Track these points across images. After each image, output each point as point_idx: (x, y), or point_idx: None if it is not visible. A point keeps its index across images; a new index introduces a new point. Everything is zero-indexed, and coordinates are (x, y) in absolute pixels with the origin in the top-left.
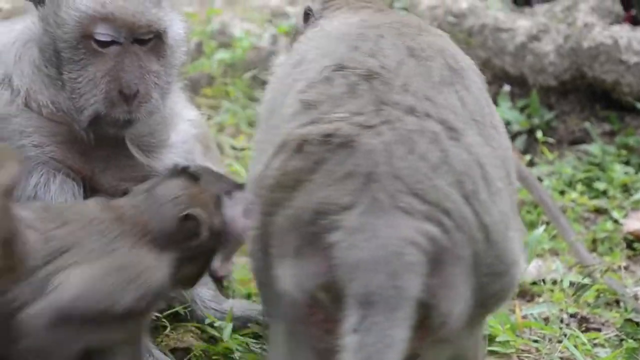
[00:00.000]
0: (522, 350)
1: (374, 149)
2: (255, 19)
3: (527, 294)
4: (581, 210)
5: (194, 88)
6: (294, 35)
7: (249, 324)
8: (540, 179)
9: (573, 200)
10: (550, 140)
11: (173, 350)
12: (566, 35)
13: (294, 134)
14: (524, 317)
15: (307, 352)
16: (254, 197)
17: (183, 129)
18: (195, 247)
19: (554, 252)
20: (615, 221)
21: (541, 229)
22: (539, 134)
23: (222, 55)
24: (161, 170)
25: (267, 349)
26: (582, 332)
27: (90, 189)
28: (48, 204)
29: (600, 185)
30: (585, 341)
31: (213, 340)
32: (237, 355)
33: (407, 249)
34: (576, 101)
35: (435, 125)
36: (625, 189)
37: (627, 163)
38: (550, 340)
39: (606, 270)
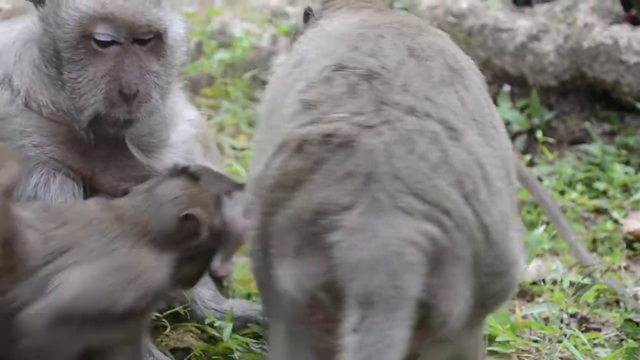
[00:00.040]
0: (522, 350)
1: (374, 149)
2: (255, 19)
3: (527, 294)
4: (581, 210)
5: (194, 88)
6: (294, 35)
7: (249, 324)
8: (540, 179)
9: (573, 200)
10: (550, 140)
11: (173, 350)
12: (566, 35)
13: (294, 134)
14: (524, 317)
15: (307, 352)
16: (254, 197)
17: (183, 129)
18: (195, 247)
19: (554, 252)
20: (615, 221)
21: (541, 229)
22: (539, 134)
23: (222, 55)
24: (161, 170)
25: (267, 349)
26: (582, 332)
27: (90, 189)
28: (48, 203)
29: (600, 185)
30: (585, 341)
31: (213, 340)
32: (237, 355)
33: (407, 249)
34: (576, 101)
35: (435, 125)
36: (625, 189)
37: (627, 163)
38: (550, 340)
39: (606, 270)
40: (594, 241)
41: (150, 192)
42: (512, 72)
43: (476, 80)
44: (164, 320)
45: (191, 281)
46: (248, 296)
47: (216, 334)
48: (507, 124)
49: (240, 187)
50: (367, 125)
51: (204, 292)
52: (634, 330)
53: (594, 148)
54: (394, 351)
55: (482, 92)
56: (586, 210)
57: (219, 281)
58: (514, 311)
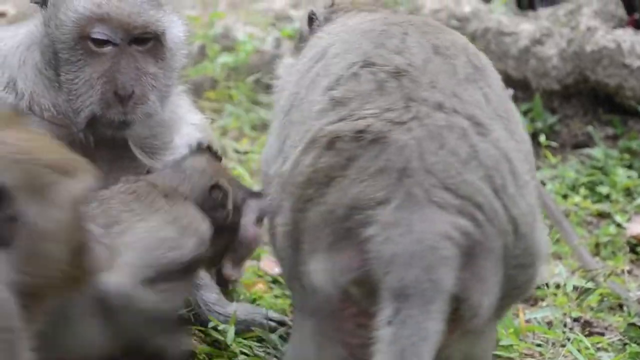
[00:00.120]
0: (526, 355)
1: (405, 144)
2: (258, 23)
3: (530, 298)
4: (584, 214)
5: (197, 91)
6: (298, 38)
7: (253, 328)
8: (543, 183)
9: (576, 204)
10: (553, 144)
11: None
12: (569, 39)
13: (324, 131)
14: (528, 321)
15: (336, 347)
16: (281, 191)
17: (187, 132)
18: (221, 220)
19: (557, 256)
20: (619, 225)
21: None
22: (542, 138)
23: (226, 58)
24: None
25: (289, 346)
26: (586, 336)
27: None
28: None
29: (603, 189)
30: (589, 345)
31: (217, 343)
32: (240, 358)
33: (442, 243)
34: (579, 105)
35: (463, 121)
36: (628, 192)
37: (630, 167)
38: (553, 344)
39: (609, 274)
40: (597, 245)
41: (177, 166)
42: (515, 75)
43: (496, 77)
44: None
45: (211, 261)
46: (252, 300)
47: (220, 337)
48: None
49: (254, 195)
50: (397, 122)
51: (208, 295)
52: (637, 334)
53: (596, 152)
54: (429, 343)
55: (502, 89)
56: (589, 214)
57: (224, 285)
58: (517, 315)
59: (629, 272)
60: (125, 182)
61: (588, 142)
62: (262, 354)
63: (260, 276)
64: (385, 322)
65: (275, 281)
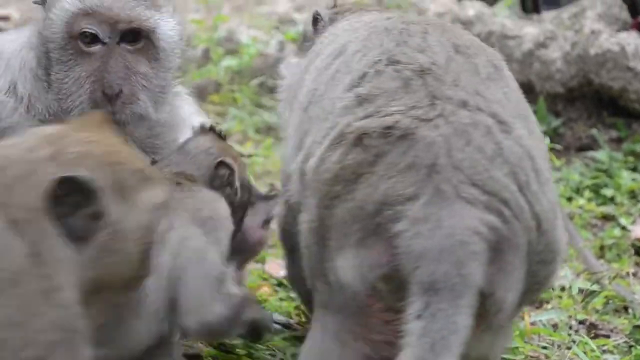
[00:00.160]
0: (531, 357)
1: (433, 141)
2: (262, 26)
3: (535, 301)
4: (589, 217)
5: (200, 95)
6: (302, 39)
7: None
8: None
9: (580, 207)
10: (558, 146)
11: (183, 357)
12: (573, 42)
13: (351, 127)
14: (533, 323)
15: (360, 345)
16: (306, 188)
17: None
18: (230, 198)
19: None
20: (623, 228)
21: None
22: (546, 141)
23: (229, 62)
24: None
25: (308, 344)
26: (591, 338)
27: None
28: None
29: (608, 192)
30: (595, 348)
31: (223, 347)
32: None
33: (472, 238)
34: (583, 108)
35: (487, 119)
36: (633, 195)
37: (634, 170)
38: (559, 346)
39: (614, 277)
40: (602, 248)
41: (182, 149)
42: (519, 79)
43: (512, 77)
44: None
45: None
46: (258, 302)
47: (226, 340)
48: None
49: (264, 198)
50: (424, 119)
51: None
52: None
53: (601, 155)
54: (459, 337)
55: (519, 89)
56: (594, 217)
57: None
58: (522, 318)
59: (634, 274)
60: None
61: (592, 145)
62: (268, 357)
63: (265, 279)
64: (414, 316)
65: (280, 284)
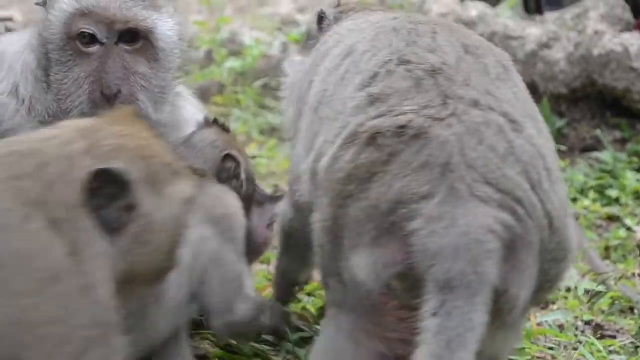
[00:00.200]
0: (538, 358)
1: (447, 140)
2: (265, 27)
3: (543, 300)
4: (594, 218)
5: (204, 96)
6: (306, 37)
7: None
8: None
9: (585, 208)
10: (562, 148)
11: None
12: (577, 43)
13: (365, 127)
14: (539, 324)
15: (375, 343)
16: (318, 187)
17: None
18: (236, 191)
19: None
20: (628, 229)
21: None
22: None
23: (233, 63)
24: None
25: (321, 344)
26: (597, 339)
27: None
28: None
29: (613, 193)
30: (601, 348)
31: (229, 347)
32: None
33: (487, 236)
34: (587, 109)
35: (498, 118)
36: (638, 196)
37: (639, 170)
38: (565, 347)
39: (620, 278)
40: (607, 249)
41: (187, 142)
42: (523, 80)
43: (519, 77)
44: None
45: None
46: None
47: (233, 341)
48: None
49: (271, 199)
50: (437, 118)
51: None
52: None
53: (605, 156)
54: (475, 334)
55: (526, 89)
56: (599, 218)
57: None
58: (528, 319)
59: None
60: None
61: (596, 146)
62: (275, 358)
63: (270, 280)
64: (430, 313)
65: None
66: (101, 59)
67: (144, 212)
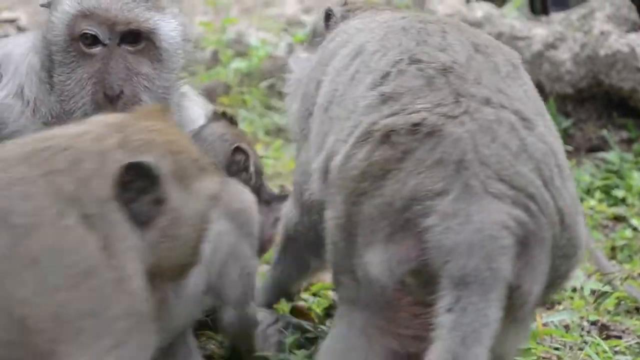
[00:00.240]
0: (544, 358)
1: (460, 137)
2: (271, 28)
3: (547, 302)
4: (600, 218)
5: (210, 97)
6: (312, 34)
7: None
8: None
9: (591, 208)
10: (568, 148)
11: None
12: (583, 44)
13: (378, 125)
14: (545, 324)
15: (388, 340)
16: (331, 185)
17: None
18: (245, 183)
19: None
20: (635, 229)
21: None
22: None
23: (239, 64)
24: None
25: (332, 340)
26: (603, 339)
27: None
28: None
29: (619, 193)
30: (607, 349)
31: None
32: None
33: (501, 232)
34: (593, 109)
35: (510, 116)
36: None
37: None
38: (571, 347)
39: (626, 278)
40: (613, 249)
41: (197, 136)
42: None
43: (528, 75)
44: None
45: None
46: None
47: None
48: None
49: (278, 199)
50: (450, 116)
51: None
52: None
53: (611, 155)
54: (489, 330)
55: (534, 87)
56: (605, 218)
57: None
58: (534, 319)
59: None
60: None
61: (602, 146)
62: (280, 358)
63: None
64: (445, 309)
65: None
66: (104, 59)
67: (172, 207)
